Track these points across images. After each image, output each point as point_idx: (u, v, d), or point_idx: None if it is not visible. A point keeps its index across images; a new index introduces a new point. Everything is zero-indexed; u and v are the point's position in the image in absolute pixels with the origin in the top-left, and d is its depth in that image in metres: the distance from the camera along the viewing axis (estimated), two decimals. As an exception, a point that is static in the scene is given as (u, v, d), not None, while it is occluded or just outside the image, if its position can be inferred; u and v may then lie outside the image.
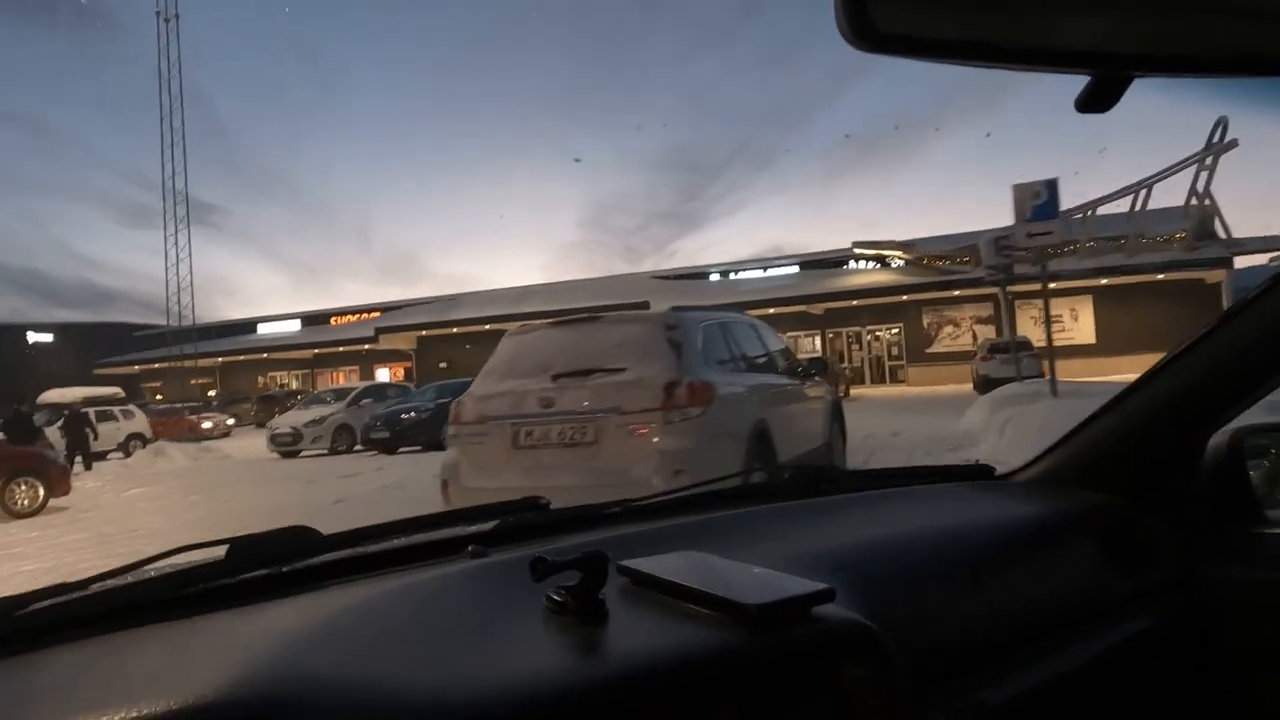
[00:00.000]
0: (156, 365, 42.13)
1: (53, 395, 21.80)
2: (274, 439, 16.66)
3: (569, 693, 0.61)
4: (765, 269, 32.85)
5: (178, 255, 35.63)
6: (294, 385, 38.28)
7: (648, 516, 1.16)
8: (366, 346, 36.25)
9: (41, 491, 10.12)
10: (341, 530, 0.96)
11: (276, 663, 0.62)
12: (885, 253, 28.93)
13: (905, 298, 27.71)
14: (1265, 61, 0.49)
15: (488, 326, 34.29)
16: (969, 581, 1.02)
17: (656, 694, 0.64)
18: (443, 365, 33.70)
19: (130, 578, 0.86)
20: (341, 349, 37.77)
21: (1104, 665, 1.07)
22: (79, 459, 16.26)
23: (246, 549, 0.89)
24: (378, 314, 39.24)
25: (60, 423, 18.10)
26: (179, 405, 27.78)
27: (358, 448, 16.80)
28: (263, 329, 43.82)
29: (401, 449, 15.57)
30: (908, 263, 28.72)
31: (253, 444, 20.57)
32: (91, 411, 20.65)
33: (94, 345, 43.68)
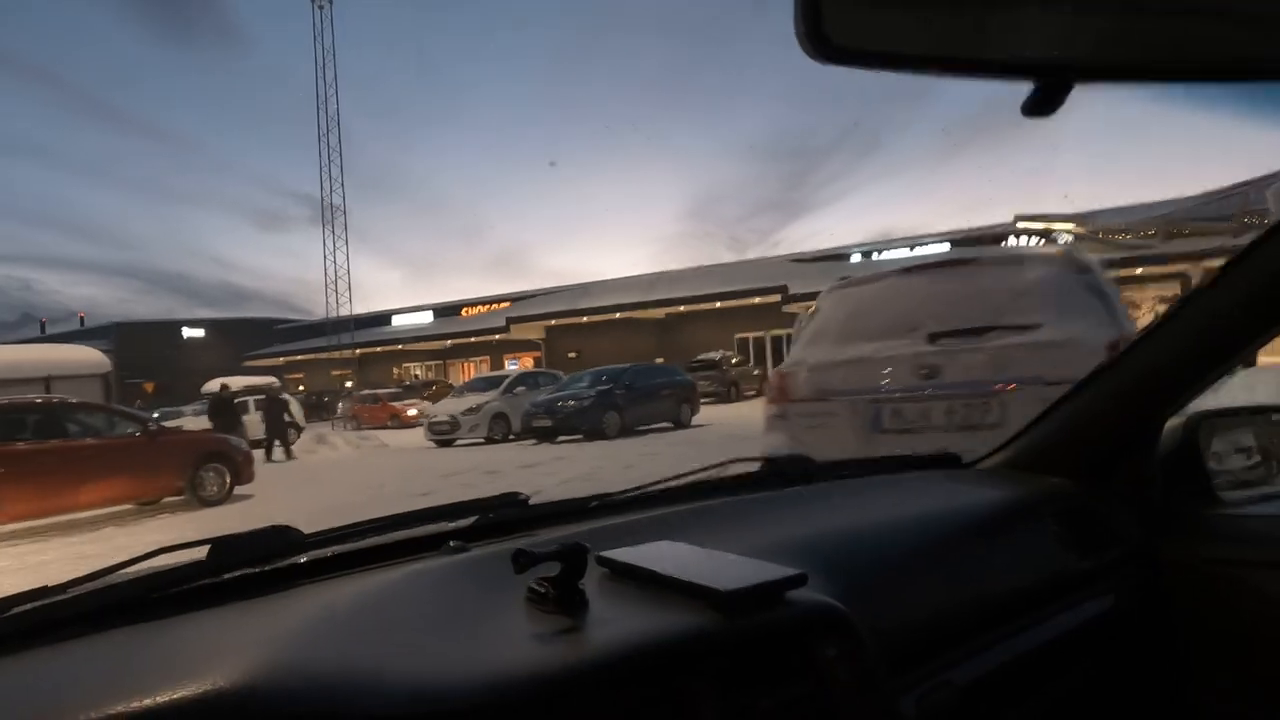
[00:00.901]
0: (299, 357, 43.94)
1: (213, 385, 22.38)
2: (431, 427, 16.34)
3: (549, 677, 0.63)
4: (912, 247, 30.77)
5: (334, 256, 36.74)
6: (428, 376, 38.85)
7: (626, 509, 1.17)
8: (498, 336, 36.39)
9: (228, 479, 9.84)
10: (325, 528, 0.98)
11: (260, 658, 0.62)
12: (1056, 226, 26.46)
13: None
14: (1215, 67, 0.51)
15: (618, 315, 33.86)
16: (937, 565, 1.05)
17: (634, 677, 0.65)
18: (572, 355, 33.35)
19: (112, 579, 0.85)
20: (473, 339, 38.07)
21: (1067, 643, 1.11)
22: (277, 445, 16.20)
23: (228, 548, 0.89)
24: (507, 304, 39.37)
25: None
26: (380, 393, 28.59)
27: (511, 436, 16.32)
28: (397, 321, 44.84)
29: (561, 437, 14.95)
30: (1078, 238, 26.17)
31: (402, 434, 20.52)
32: (250, 400, 21.13)
33: (240, 339, 45.98)
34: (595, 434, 14.12)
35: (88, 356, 16.67)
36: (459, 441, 16.37)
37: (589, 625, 0.70)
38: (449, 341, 39.43)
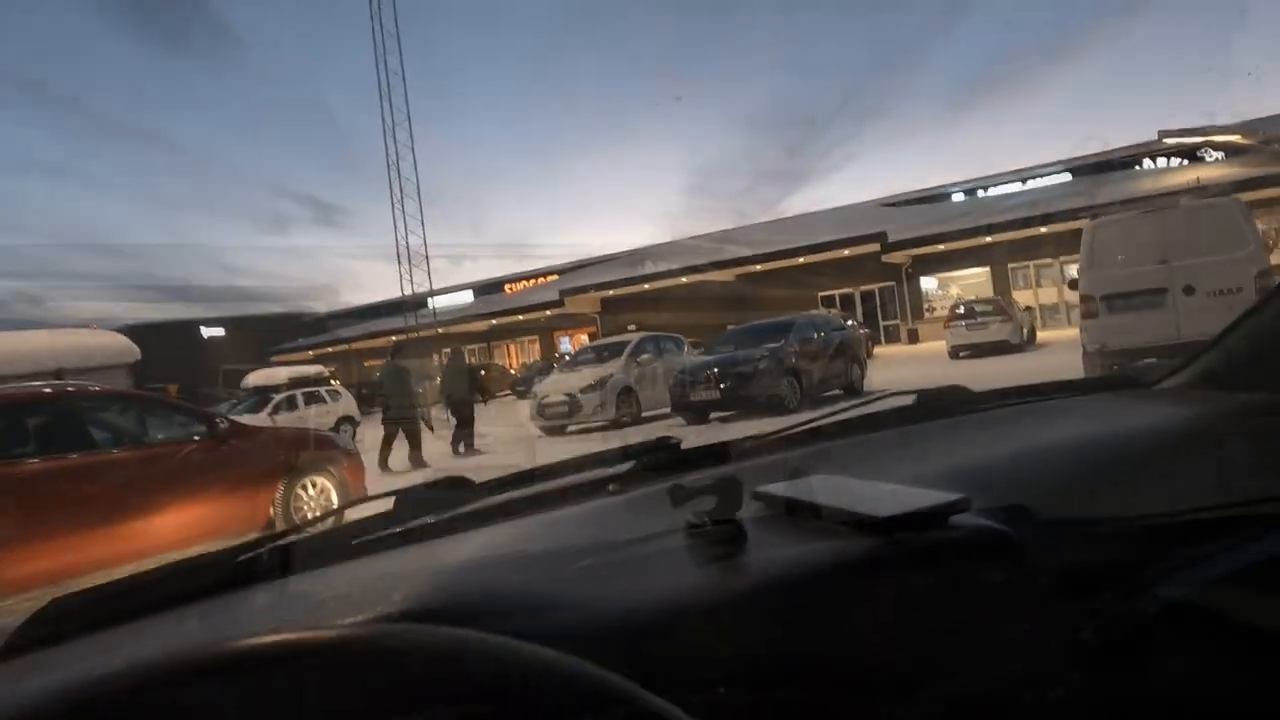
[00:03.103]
0: (330, 349, 40.73)
1: (257, 377, 19.11)
2: (544, 410, 12.95)
3: (712, 600, 0.66)
4: (1024, 180, 27.15)
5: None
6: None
7: (780, 448, 1.18)
8: (549, 312, 33.07)
9: (334, 494, 6.51)
10: (494, 479, 1.07)
11: (453, 583, 0.72)
12: (1214, 138, 22.74)
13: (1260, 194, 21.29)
14: None
15: (684, 280, 30.43)
16: (1117, 490, 0.99)
17: (792, 600, 0.66)
18: (631, 328, 29.99)
19: (319, 527, 1.06)
20: (521, 317, 34.73)
21: (1267, 571, 0.96)
22: (462, 445, 11.60)
23: (410, 501, 1.01)
24: (554, 277, 35.95)
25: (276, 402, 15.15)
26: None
27: (645, 415, 12.99)
28: (433, 303, 41.46)
29: (717, 414, 11.58)
30: (1233, 152, 22.46)
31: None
32: (299, 394, 17.88)
33: (264, 335, 42.88)
34: (776, 406, 10.73)
35: (111, 342, 13.06)
36: (572, 428, 13.04)
37: (747, 553, 0.72)
38: (493, 321, 36.14)
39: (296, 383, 18.34)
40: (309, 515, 6.25)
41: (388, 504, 1.01)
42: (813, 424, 1.22)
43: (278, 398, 16.26)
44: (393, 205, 32.12)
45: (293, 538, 0.97)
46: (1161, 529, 0.92)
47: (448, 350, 14.31)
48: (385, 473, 10.05)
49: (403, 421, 10.73)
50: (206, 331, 45.93)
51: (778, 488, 0.82)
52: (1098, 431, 1.12)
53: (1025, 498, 0.85)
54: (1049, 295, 26.09)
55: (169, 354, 38.57)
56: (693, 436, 10.36)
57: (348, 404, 19.54)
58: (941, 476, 0.88)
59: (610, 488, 1.01)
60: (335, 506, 6.53)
